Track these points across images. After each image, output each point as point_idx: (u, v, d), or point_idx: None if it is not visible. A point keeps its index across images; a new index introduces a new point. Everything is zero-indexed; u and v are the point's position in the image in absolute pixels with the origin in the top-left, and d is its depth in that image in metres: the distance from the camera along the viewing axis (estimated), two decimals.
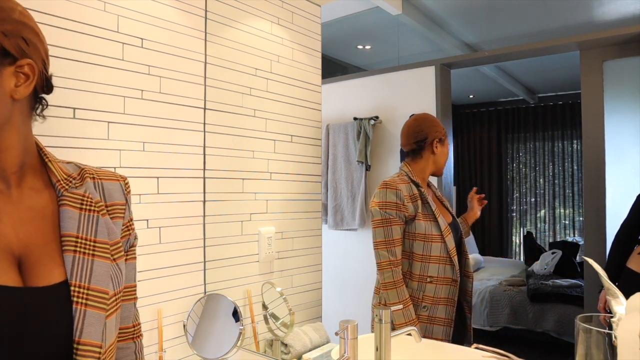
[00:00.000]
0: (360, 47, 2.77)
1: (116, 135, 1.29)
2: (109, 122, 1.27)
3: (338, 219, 2.12)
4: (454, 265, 1.34)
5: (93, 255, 0.66)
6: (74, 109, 1.18)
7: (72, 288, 0.62)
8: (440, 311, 1.34)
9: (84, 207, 0.68)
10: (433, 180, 1.57)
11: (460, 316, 1.41)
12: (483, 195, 1.52)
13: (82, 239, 0.66)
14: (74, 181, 0.69)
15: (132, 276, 0.75)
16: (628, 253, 1.54)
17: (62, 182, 0.68)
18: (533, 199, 4.44)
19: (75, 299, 0.62)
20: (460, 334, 1.39)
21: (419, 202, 1.37)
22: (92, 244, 0.67)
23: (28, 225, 0.64)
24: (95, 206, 0.69)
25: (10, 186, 0.65)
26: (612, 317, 0.77)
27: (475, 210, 1.50)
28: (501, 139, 4.43)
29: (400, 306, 1.20)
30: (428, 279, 1.34)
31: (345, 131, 2.16)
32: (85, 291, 0.63)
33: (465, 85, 3.57)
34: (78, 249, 0.65)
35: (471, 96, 4.21)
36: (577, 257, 2.66)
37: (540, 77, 3.59)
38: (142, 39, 1.35)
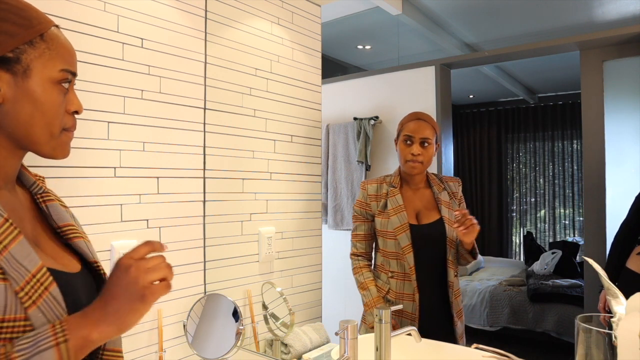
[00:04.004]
0: (360, 47, 2.76)
1: (116, 135, 1.29)
2: (109, 122, 1.27)
3: (338, 219, 2.12)
4: (405, 262, 1.38)
5: (86, 239, 0.73)
6: None
7: (98, 265, 0.71)
8: (406, 306, 1.39)
9: (60, 202, 0.73)
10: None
11: (449, 328, 1.40)
12: (462, 217, 1.26)
13: (76, 227, 0.72)
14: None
15: None
16: (628, 253, 1.53)
17: (38, 181, 0.72)
18: (533, 199, 4.44)
19: (103, 271, 0.72)
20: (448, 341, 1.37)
21: (384, 200, 1.44)
22: (82, 230, 0.74)
23: (30, 222, 0.67)
24: (62, 201, 0.74)
25: (14, 188, 0.68)
26: (612, 317, 0.77)
27: (462, 238, 1.31)
28: (501, 139, 4.43)
29: (401, 306, 1.21)
30: (390, 274, 1.43)
31: (345, 131, 2.16)
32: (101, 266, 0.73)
33: (465, 85, 3.57)
34: (81, 235, 0.71)
35: (471, 96, 4.21)
36: (577, 257, 2.66)
37: (540, 77, 3.59)
38: (142, 39, 1.35)
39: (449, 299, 1.39)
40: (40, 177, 0.74)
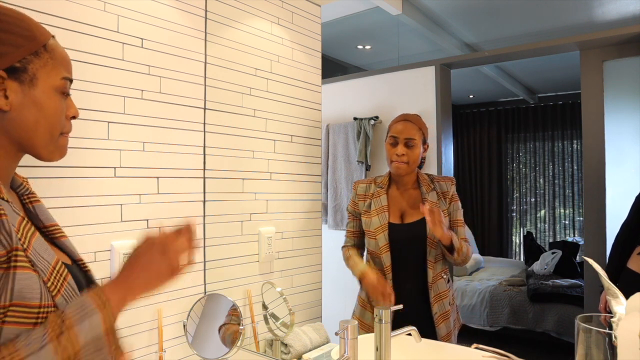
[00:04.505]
0: (360, 47, 2.77)
1: (116, 135, 1.29)
2: (109, 122, 1.27)
3: (338, 219, 2.12)
4: (382, 261, 1.41)
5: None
6: None
7: (83, 262, 0.76)
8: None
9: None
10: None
11: (429, 329, 1.39)
12: (429, 209, 1.30)
13: (60, 227, 0.75)
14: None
15: None
16: (628, 254, 1.53)
17: (24, 182, 0.74)
18: (533, 199, 4.44)
19: (88, 268, 0.76)
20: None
21: (369, 200, 1.48)
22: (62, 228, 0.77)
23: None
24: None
25: (10, 190, 0.70)
26: (612, 317, 0.77)
27: (432, 230, 1.33)
28: (501, 139, 4.44)
29: (401, 306, 1.20)
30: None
31: (345, 131, 2.16)
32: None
33: (465, 85, 3.57)
34: (65, 234, 0.75)
35: (471, 96, 4.21)
36: (577, 257, 2.67)
37: (540, 77, 3.59)
38: (142, 39, 1.35)
39: (429, 300, 1.39)
40: (24, 178, 0.76)
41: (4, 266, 0.55)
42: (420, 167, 1.51)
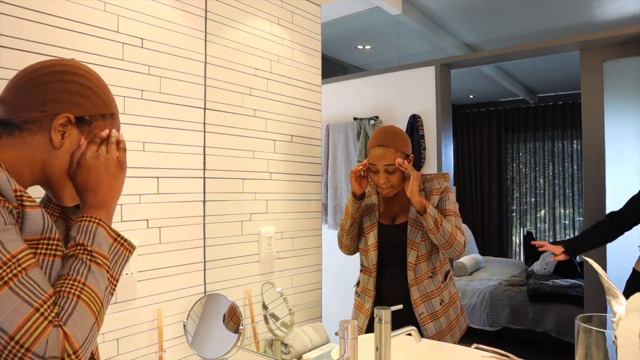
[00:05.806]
0: (360, 47, 2.77)
1: None
2: None
3: (338, 219, 2.12)
4: (369, 259, 1.46)
5: None
6: None
7: None
8: (366, 300, 1.47)
9: None
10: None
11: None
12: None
13: None
14: None
15: None
16: (607, 235, 1.54)
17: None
18: (533, 199, 4.44)
19: None
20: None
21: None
22: None
23: None
24: None
25: None
26: (609, 315, 0.77)
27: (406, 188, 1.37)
28: (501, 139, 4.44)
29: (401, 306, 1.20)
30: (360, 267, 1.53)
31: (345, 131, 2.16)
32: None
33: (465, 85, 3.57)
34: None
35: (471, 96, 4.21)
36: (577, 257, 2.66)
37: (540, 77, 3.59)
38: (142, 39, 1.35)
39: (410, 301, 1.39)
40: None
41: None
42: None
